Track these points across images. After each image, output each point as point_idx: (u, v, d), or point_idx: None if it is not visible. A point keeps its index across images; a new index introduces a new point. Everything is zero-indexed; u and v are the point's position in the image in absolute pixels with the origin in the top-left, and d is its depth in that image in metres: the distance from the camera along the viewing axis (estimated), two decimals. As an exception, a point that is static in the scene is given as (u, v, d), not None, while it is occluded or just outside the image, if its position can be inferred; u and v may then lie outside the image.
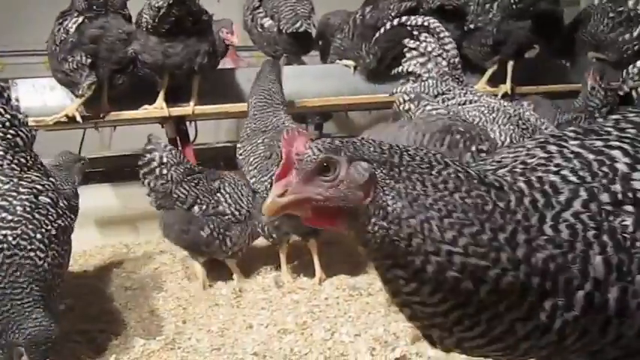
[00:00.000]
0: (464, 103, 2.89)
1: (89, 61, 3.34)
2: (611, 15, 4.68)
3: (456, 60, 3.11)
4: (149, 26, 3.49)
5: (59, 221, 2.29)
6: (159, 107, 3.73)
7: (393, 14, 3.95)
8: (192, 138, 4.34)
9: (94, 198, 4.02)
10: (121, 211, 4.20)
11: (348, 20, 4.39)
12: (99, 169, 4.34)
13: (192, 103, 3.81)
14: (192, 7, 3.52)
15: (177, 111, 3.81)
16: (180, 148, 4.04)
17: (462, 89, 2.99)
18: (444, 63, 3.08)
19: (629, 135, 1.12)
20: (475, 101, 2.95)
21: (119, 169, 4.42)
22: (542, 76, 4.81)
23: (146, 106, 3.74)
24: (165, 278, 3.49)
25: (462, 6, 4.30)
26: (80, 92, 3.40)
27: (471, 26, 4.31)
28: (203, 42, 3.63)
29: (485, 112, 2.63)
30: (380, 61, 4.14)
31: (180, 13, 3.43)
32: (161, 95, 3.74)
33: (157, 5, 3.40)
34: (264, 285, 3.28)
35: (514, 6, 4.15)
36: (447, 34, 3.14)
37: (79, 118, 3.54)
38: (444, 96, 2.92)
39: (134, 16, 3.68)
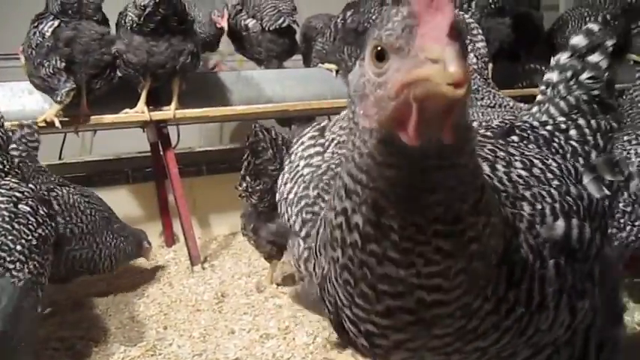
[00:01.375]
0: (493, 106, 2.83)
1: (64, 64, 3.31)
2: (588, 20, 4.77)
3: (486, 59, 3.04)
4: (134, 25, 3.47)
5: (39, 230, 2.22)
6: (140, 111, 3.70)
7: (373, 17, 3.98)
8: (174, 143, 4.32)
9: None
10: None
11: (330, 24, 4.41)
12: (80, 173, 4.29)
13: (173, 106, 3.78)
14: (178, 7, 3.51)
15: (158, 115, 3.77)
16: (161, 153, 4.03)
17: (490, 90, 2.92)
18: (474, 60, 2.98)
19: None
20: (505, 105, 2.90)
21: (100, 174, 4.38)
22: (522, 80, 4.88)
23: (127, 110, 3.70)
24: (147, 284, 3.46)
25: None
26: (59, 99, 3.35)
27: None
28: (187, 42, 3.62)
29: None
30: (362, 64, 4.15)
31: (166, 12, 3.42)
32: (142, 98, 3.71)
33: (143, 4, 3.39)
34: (247, 290, 3.28)
35: (492, 5, 4.20)
36: (479, 30, 3.03)
37: (57, 124, 3.49)
38: (472, 95, 2.81)
39: (112, 19, 3.66)
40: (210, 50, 4.89)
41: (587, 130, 1.50)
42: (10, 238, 2.07)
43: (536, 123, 1.50)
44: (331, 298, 1.10)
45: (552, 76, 1.59)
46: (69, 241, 2.92)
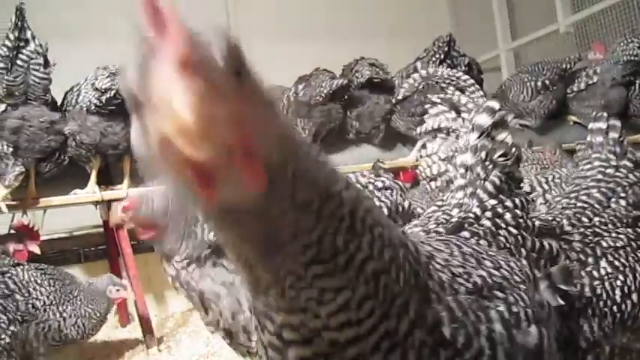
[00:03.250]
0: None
1: (11, 149, 3.26)
2: (529, 86, 5.03)
3: None
4: (91, 107, 3.46)
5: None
6: (91, 191, 3.64)
7: (324, 92, 4.09)
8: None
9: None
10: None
11: (282, 97, 4.50)
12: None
13: (125, 185, 3.74)
14: (140, 90, 3.52)
15: (109, 194, 3.72)
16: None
17: None
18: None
19: None
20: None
21: (52, 253, 4.25)
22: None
23: (77, 191, 3.65)
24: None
25: (389, 79, 4.49)
26: (7, 183, 3.29)
27: (399, 97, 4.47)
28: (142, 122, 3.62)
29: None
30: (315, 136, 4.24)
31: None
32: (92, 178, 3.67)
33: (104, 87, 3.39)
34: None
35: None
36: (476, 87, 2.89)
37: (4, 209, 3.41)
38: None
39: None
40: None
41: (517, 212, 1.53)
42: None
43: (477, 212, 1.51)
44: None
45: (466, 158, 1.61)
46: (33, 315, 2.91)
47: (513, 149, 1.60)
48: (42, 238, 4.55)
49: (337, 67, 4.62)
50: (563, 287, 1.28)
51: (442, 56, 4.27)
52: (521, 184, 1.65)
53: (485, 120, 1.60)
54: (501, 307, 1.05)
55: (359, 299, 0.85)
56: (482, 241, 1.40)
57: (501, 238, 1.44)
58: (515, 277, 1.19)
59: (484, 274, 1.12)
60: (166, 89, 0.58)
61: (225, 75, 0.62)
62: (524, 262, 1.38)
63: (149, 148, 0.64)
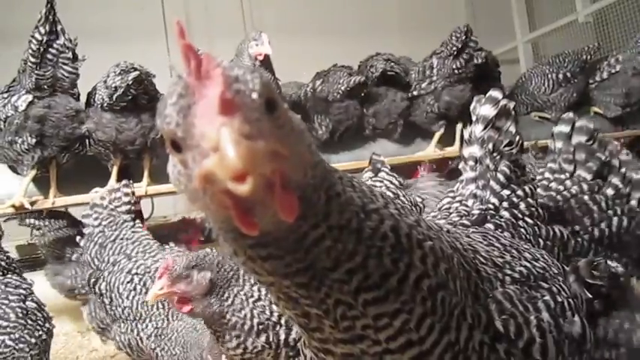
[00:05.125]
0: None
1: (34, 141, 3.30)
2: (550, 77, 4.95)
3: None
4: (104, 104, 3.48)
5: (47, 325, 2.32)
6: (111, 189, 3.66)
7: (342, 89, 4.06)
8: (148, 214, 4.28)
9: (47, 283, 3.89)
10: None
11: (300, 92, 4.49)
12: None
13: (144, 183, 3.76)
14: (149, 87, 3.55)
15: (130, 192, 3.74)
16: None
17: None
18: None
19: None
20: None
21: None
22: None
23: (97, 189, 3.66)
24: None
25: (403, 74, 4.39)
26: (26, 172, 3.35)
27: (415, 93, 4.40)
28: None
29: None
30: (333, 132, 4.22)
31: (137, 92, 3.44)
32: (113, 177, 3.68)
33: (114, 85, 3.40)
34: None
35: (456, 71, 4.27)
36: None
37: (27, 205, 3.44)
38: None
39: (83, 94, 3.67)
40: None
41: (529, 200, 1.54)
42: (26, 332, 2.19)
43: (495, 202, 1.51)
44: None
45: (474, 150, 1.61)
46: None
47: (517, 137, 1.60)
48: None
49: (353, 62, 4.58)
50: (589, 281, 1.27)
51: (458, 48, 4.20)
52: (526, 170, 1.64)
53: (489, 111, 1.60)
54: (547, 297, 1.05)
55: (417, 319, 0.83)
56: (506, 233, 1.41)
57: (522, 230, 1.45)
58: (553, 269, 1.20)
59: (527, 264, 1.13)
60: (208, 127, 0.62)
61: (261, 110, 0.66)
62: (544, 252, 1.38)
63: (189, 182, 0.68)
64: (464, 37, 4.12)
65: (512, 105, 1.61)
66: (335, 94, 4.09)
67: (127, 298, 2.50)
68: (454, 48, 4.17)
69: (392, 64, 4.27)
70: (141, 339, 2.45)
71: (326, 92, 4.16)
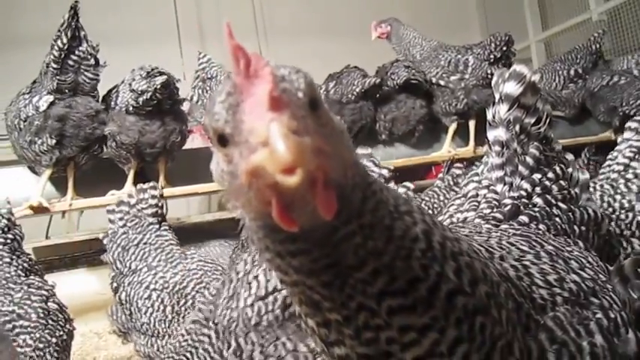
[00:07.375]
0: None
1: (54, 142, 3.34)
2: (561, 74, 4.91)
3: None
4: (130, 107, 3.51)
5: (67, 326, 2.34)
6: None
7: (357, 90, 4.06)
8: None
9: (64, 284, 3.91)
10: (92, 297, 4.07)
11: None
12: (66, 254, 4.23)
13: (160, 186, 3.78)
14: (174, 91, 3.58)
15: (146, 194, 3.76)
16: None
17: None
18: None
19: None
20: None
21: (92, 252, 4.32)
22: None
23: (113, 192, 3.70)
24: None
25: (425, 83, 4.35)
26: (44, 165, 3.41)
27: (442, 83, 4.32)
28: (178, 121, 3.70)
29: None
30: (346, 133, 4.20)
31: (162, 96, 3.47)
32: (129, 179, 3.71)
33: (140, 89, 3.43)
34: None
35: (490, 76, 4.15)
36: None
37: (45, 204, 3.48)
38: None
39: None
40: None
41: (562, 183, 1.46)
42: (46, 332, 2.21)
43: (527, 188, 1.43)
44: None
45: (500, 133, 1.50)
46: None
47: (545, 113, 1.50)
48: (79, 238, 4.67)
49: (365, 63, 4.58)
50: (636, 282, 1.16)
51: (496, 57, 4.20)
52: (554, 143, 1.56)
53: (514, 88, 1.49)
54: (599, 315, 0.98)
55: (450, 343, 0.77)
56: (541, 225, 1.34)
57: (557, 219, 1.38)
58: (601, 276, 1.11)
59: (577, 278, 1.05)
60: (258, 123, 0.64)
61: (306, 108, 0.68)
62: (581, 244, 1.32)
63: (233, 178, 0.71)
64: (504, 48, 4.13)
65: (537, 78, 1.51)
66: (349, 96, 4.09)
67: (145, 314, 2.48)
68: (492, 55, 4.16)
69: (414, 71, 4.25)
70: (159, 356, 2.43)
71: (340, 94, 4.15)
